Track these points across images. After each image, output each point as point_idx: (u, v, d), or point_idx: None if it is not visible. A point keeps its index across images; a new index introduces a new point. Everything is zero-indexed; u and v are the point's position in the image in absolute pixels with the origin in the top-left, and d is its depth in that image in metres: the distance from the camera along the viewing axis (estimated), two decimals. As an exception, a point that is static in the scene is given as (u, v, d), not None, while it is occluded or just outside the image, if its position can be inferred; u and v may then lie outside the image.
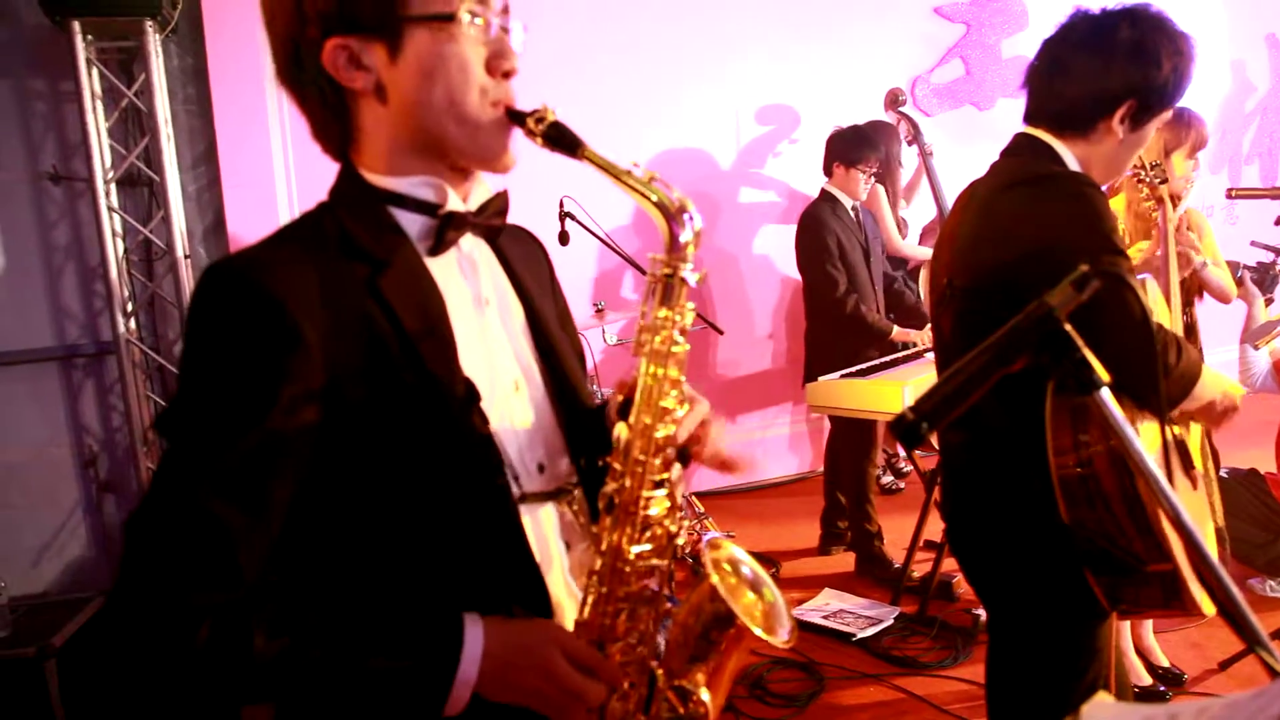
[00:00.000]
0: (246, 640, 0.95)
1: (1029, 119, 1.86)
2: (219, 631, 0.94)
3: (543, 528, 1.14)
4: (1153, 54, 1.71)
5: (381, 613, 1.03)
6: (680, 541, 1.11)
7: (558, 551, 1.16)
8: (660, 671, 1.12)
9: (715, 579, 1.10)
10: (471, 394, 1.06)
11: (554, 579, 1.14)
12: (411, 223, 1.09)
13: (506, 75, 1.07)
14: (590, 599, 1.08)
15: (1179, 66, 1.72)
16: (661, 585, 1.11)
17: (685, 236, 1.05)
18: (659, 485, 1.08)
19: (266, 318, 0.96)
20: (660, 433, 1.07)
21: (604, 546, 1.07)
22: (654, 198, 1.04)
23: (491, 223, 1.15)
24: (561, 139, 1.05)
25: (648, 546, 1.08)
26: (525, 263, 1.25)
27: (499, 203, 1.16)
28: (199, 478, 0.95)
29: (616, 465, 1.08)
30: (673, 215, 1.05)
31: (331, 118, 1.10)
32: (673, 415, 1.08)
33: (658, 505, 1.09)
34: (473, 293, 1.14)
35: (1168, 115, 1.81)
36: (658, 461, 1.08)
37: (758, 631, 1.10)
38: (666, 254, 1.06)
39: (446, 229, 1.09)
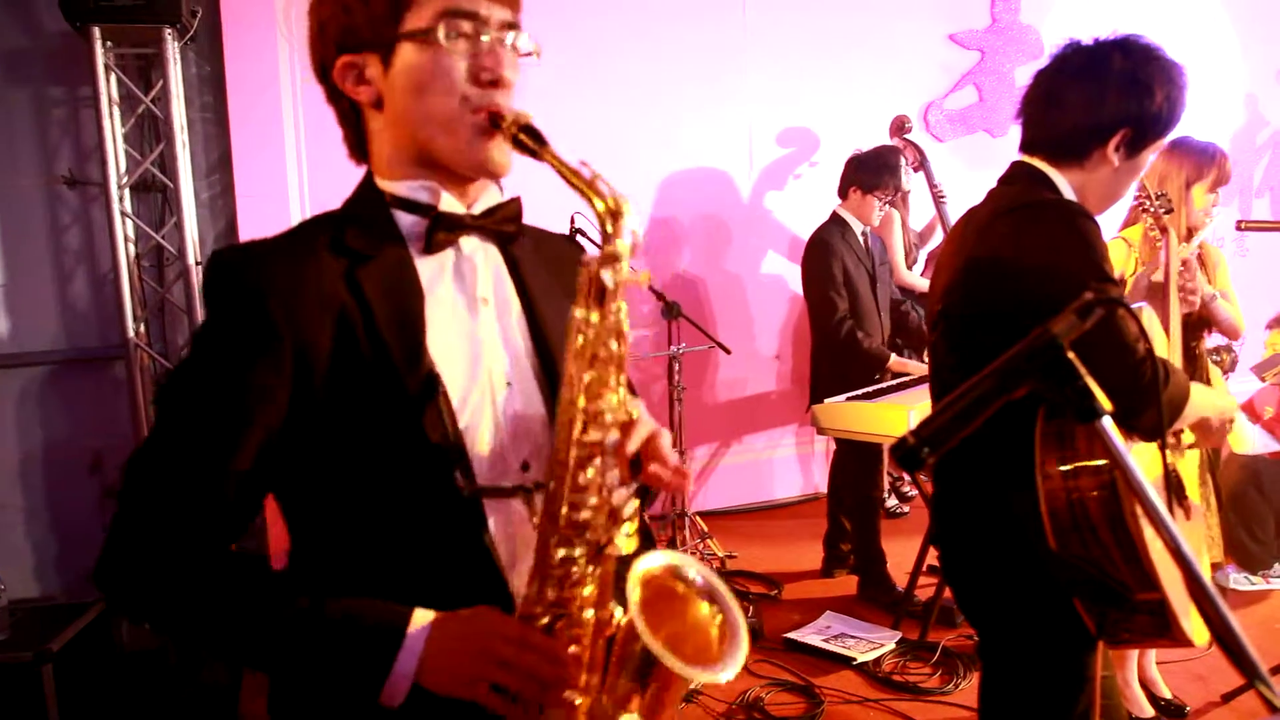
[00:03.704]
0: (208, 582, 1.06)
1: (1025, 148, 1.88)
2: (187, 568, 1.05)
3: (512, 523, 1.16)
4: (1145, 84, 1.73)
5: (335, 587, 1.07)
6: (625, 550, 1.09)
7: (530, 548, 1.15)
8: (595, 695, 1.10)
9: (635, 610, 1.05)
10: (432, 385, 1.10)
11: (520, 576, 1.14)
12: (407, 223, 1.16)
13: (494, 84, 1.11)
14: (526, 593, 1.09)
15: (1171, 95, 1.75)
16: (603, 598, 1.09)
17: (621, 236, 1.05)
18: (586, 491, 1.06)
19: (242, 301, 1.06)
20: (591, 436, 1.06)
21: (535, 546, 1.09)
22: (593, 197, 1.06)
23: (502, 228, 1.20)
24: (528, 141, 1.09)
25: (578, 551, 1.07)
26: (544, 270, 1.27)
27: (510, 209, 1.20)
28: (176, 436, 1.07)
29: (550, 466, 1.09)
30: (608, 214, 1.05)
31: (350, 129, 1.21)
32: (604, 419, 1.07)
33: (588, 511, 1.07)
34: (466, 292, 1.18)
35: (1162, 144, 1.83)
36: (590, 465, 1.06)
37: (682, 670, 1.05)
38: (600, 252, 1.07)
39: (436, 229, 1.15)
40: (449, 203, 1.16)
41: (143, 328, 4.15)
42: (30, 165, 4.10)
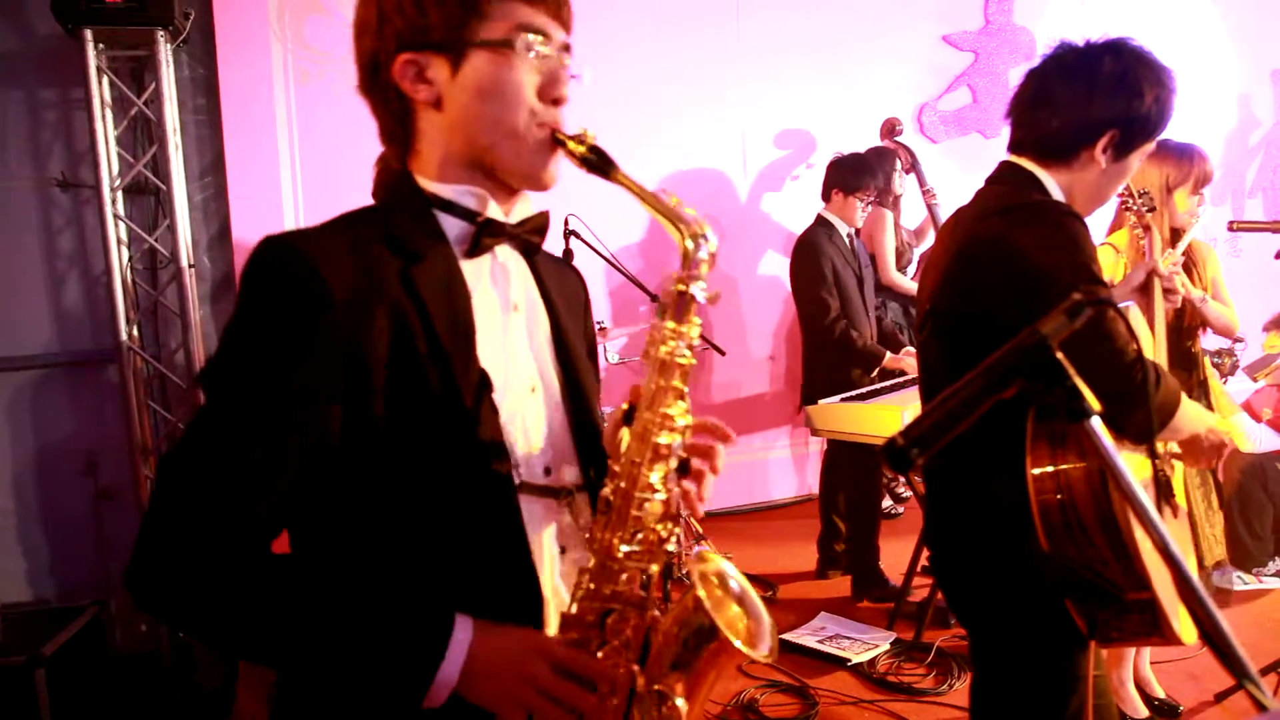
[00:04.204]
0: (251, 585, 1.03)
1: (1013, 148, 1.89)
2: (230, 571, 1.02)
3: (539, 524, 1.19)
4: (1135, 85, 1.74)
5: (377, 591, 1.07)
6: (670, 549, 1.14)
7: (550, 552, 1.20)
8: (642, 678, 1.13)
9: (702, 592, 1.12)
10: (485, 382, 1.12)
11: (544, 578, 1.17)
12: (452, 226, 1.18)
13: (556, 102, 1.16)
14: (579, 594, 1.12)
15: (1160, 98, 1.75)
16: (651, 590, 1.13)
17: (701, 256, 1.11)
18: (655, 490, 1.12)
19: (302, 284, 1.04)
20: (661, 439, 1.12)
21: (596, 545, 1.12)
22: (676, 221, 1.12)
23: (530, 238, 1.24)
24: (597, 161, 1.13)
25: (637, 548, 1.12)
26: (560, 287, 1.32)
27: (538, 220, 1.25)
28: (224, 429, 1.03)
29: (616, 467, 1.12)
30: (691, 237, 1.11)
31: (397, 125, 1.20)
32: (674, 424, 1.13)
33: (651, 509, 1.12)
34: (501, 298, 1.21)
35: (1150, 147, 1.83)
36: (657, 466, 1.12)
37: (739, 645, 1.11)
38: (682, 271, 1.12)
39: (483, 235, 1.17)
40: (493, 210, 1.19)
41: (135, 331, 4.14)
42: (22, 168, 4.10)
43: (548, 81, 1.15)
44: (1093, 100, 1.75)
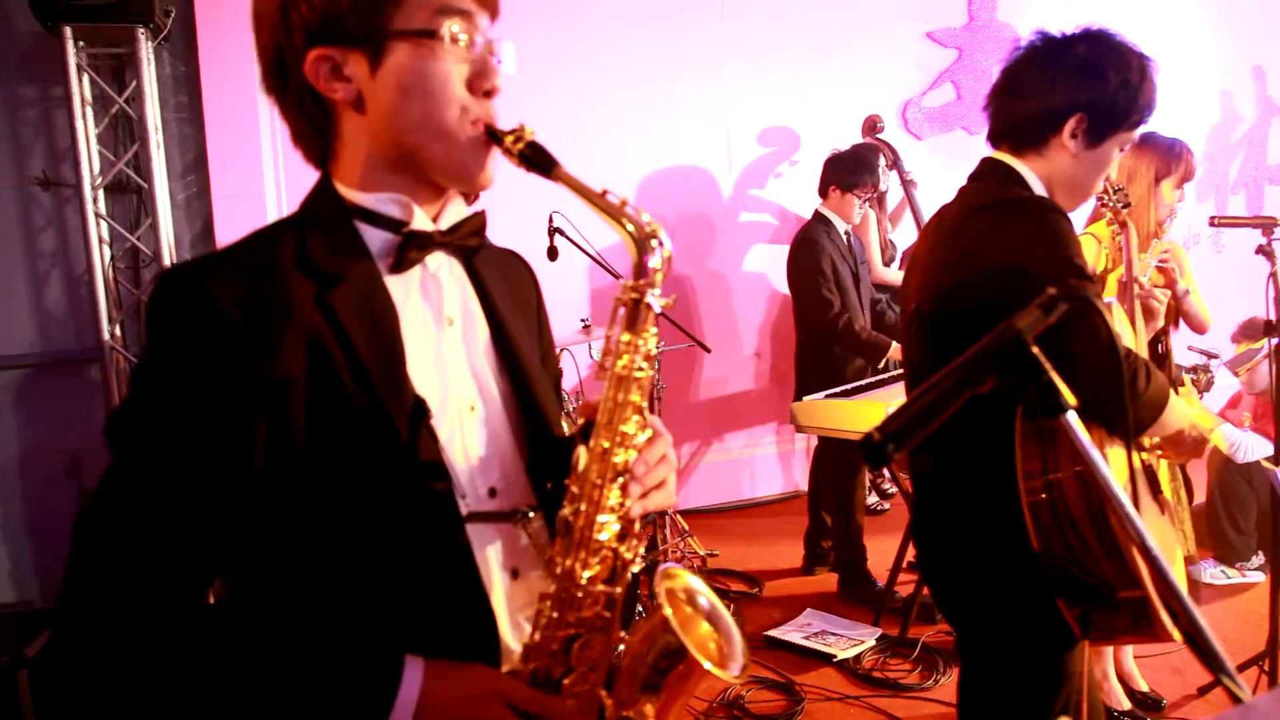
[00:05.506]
0: (182, 650, 0.97)
1: (991, 140, 1.90)
2: (156, 636, 0.96)
3: (486, 550, 1.11)
4: (1096, 68, 1.73)
5: (322, 635, 1.01)
6: (635, 570, 1.08)
7: (500, 578, 1.13)
8: (609, 702, 1.09)
9: (669, 610, 1.07)
10: (420, 410, 1.04)
11: (496, 605, 1.11)
12: (375, 239, 1.09)
13: (488, 94, 1.07)
14: (541, 622, 1.06)
15: (1128, 81, 1.73)
16: (615, 613, 1.08)
17: (654, 262, 1.03)
18: (615, 510, 1.06)
19: (208, 327, 0.96)
20: (619, 457, 1.06)
21: (558, 570, 1.05)
22: (625, 223, 1.03)
23: (465, 242, 1.13)
24: (536, 159, 1.04)
25: (600, 571, 1.06)
26: (504, 286, 1.22)
27: (474, 223, 1.14)
28: (136, 483, 0.96)
29: (574, 489, 1.05)
30: (642, 241, 1.03)
31: (308, 126, 1.10)
32: (632, 440, 1.07)
33: (611, 530, 1.06)
34: (433, 312, 1.12)
35: (1130, 136, 1.81)
36: (615, 486, 1.06)
37: (709, 666, 1.06)
38: (634, 279, 1.04)
39: (408, 248, 1.08)
40: (419, 218, 1.09)
41: (118, 330, 4.12)
42: (3, 166, 4.07)
43: (478, 72, 1.05)
44: (1055, 84, 1.75)
